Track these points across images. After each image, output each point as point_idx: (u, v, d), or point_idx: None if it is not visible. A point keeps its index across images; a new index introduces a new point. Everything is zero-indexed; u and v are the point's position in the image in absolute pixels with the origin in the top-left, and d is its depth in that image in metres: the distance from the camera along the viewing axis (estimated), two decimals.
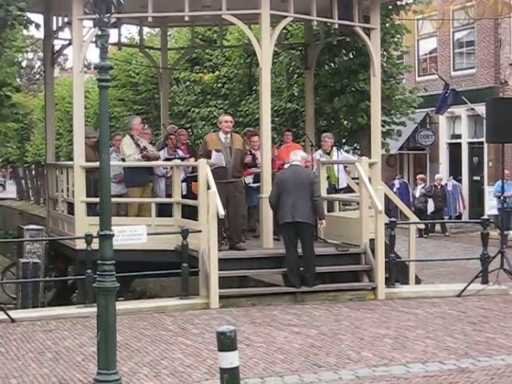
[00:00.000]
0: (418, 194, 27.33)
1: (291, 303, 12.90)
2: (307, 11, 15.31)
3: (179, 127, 19.45)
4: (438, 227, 26.90)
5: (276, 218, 14.47)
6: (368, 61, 16.59)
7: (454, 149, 30.06)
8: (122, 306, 11.57)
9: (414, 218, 17.07)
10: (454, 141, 30.20)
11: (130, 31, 28.64)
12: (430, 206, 27.22)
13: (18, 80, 27.80)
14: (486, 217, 15.55)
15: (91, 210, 14.53)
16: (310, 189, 13.01)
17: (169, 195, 15.03)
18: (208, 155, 13.82)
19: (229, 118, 14.55)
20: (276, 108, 20.40)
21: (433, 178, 29.44)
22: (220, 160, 13.75)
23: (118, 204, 14.79)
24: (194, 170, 14.80)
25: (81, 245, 13.27)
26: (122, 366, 8.67)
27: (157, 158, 15.25)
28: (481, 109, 24.08)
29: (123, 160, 15.18)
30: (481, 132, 26.48)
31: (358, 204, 14.51)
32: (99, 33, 7.64)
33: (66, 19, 16.38)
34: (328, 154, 15.96)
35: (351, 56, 19.15)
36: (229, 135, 14.13)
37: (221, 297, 12.56)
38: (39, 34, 18.28)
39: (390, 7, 18.80)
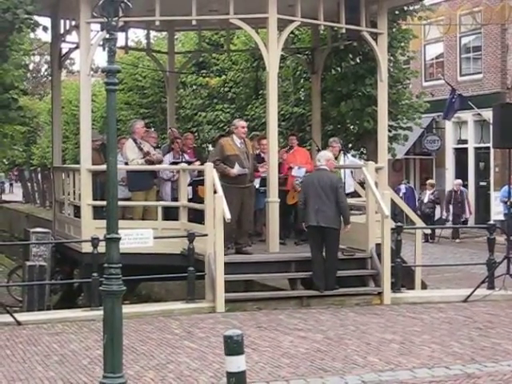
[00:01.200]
0: (426, 200, 27.13)
1: (297, 308, 12.89)
2: (314, 16, 15.32)
3: (185, 131, 19.45)
4: (445, 232, 26.79)
5: (282, 222, 14.53)
6: (375, 66, 16.59)
7: (461, 154, 30.01)
8: (128, 309, 11.55)
9: (420, 222, 17.04)
10: (460, 146, 30.14)
11: (137, 35, 28.58)
12: (438, 212, 27.08)
13: (24, 83, 27.89)
14: (492, 222, 15.54)
15: (98, 213, 14.54)
16: (335, 193, 13.13)
17: (174, 199, 15.02)
18: (224, 160, 13.81)
19: (245, 123, 14.57)
20: (283, 112, 20.37)
21: (439, 183, 29.36)
22: (242, 172, 13.76)
23: (124, 207, 14.77)
24: (199, 173, 14.80)
25: (87, 248, 13.29)
26: (128, 370, 8.67)
27: (160, 162, 15.24)
28: (487, 114, 24.03)
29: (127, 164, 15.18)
30: (487, 137, 26.43)
31: (364, 209, 14.51)
32: (107, 36, 7.64)
33: (73, 22, 16.42)
34: (335, 158, 15.92)
35: (358, 61, 19.14)
36: (242, 140, 14.14)
37: (227, 301, 12.56)
38: (46, 37, 18.32)
39: (397, 12, 18.80)
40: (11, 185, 74.85)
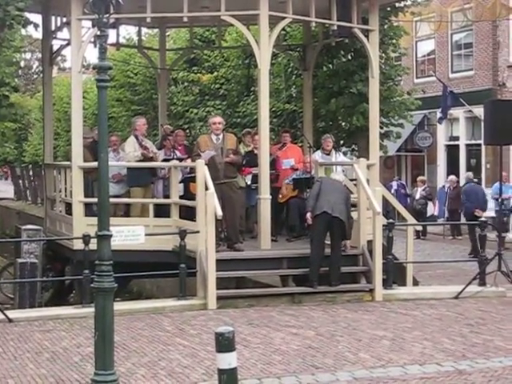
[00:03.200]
0: (417, 196, 27.15)
1: (289, 304, 12.90)
2: (306, 12, 15.31)
3: (177, 128, 19.42)
4: (431, 229, 26.81)
5: (274, 218, 14.50)
6: (366, 62, 16.60)
7: (452, 151, 30.04)
8: (119, 306, 11.58)
9: (411, 219, 17.06)
10: (451, 143, 30.18)
11: (128, 32, 28.50)
12: (430, 209, 27.09)
13: (16, 80, 27.80)
14: (483, 219, 15.56)
15: (89, 210, 14.53)
16: (347, 203, 13.27)
17: (166, 196, 15.01)
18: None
19: (217, 119, 14.43)
20: (274, 109, 20.36)
21: (431, 180, 29.38)
22: (209, 156, 13.74)
23: (115, 204, 14.75)
24: (191, 170, 14.80)
25: (78, 245, 13.28)
26: (119, 367, 8.67)
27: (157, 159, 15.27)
28: (479, 111, 24.08)
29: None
30: (479, 134, 26.46)
31: (355, 206, 14.51)
32: (98, 33, 7.64)
33: (64, 19, 16.37)
34: (328, 154, 15.92)
35: (349, 57, 19.14)
36: (221, 136, 14.11)
37: (218, 298, 12.56)
38: (37, 34, 18.28)
39: (389, 9, 18.82)
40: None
